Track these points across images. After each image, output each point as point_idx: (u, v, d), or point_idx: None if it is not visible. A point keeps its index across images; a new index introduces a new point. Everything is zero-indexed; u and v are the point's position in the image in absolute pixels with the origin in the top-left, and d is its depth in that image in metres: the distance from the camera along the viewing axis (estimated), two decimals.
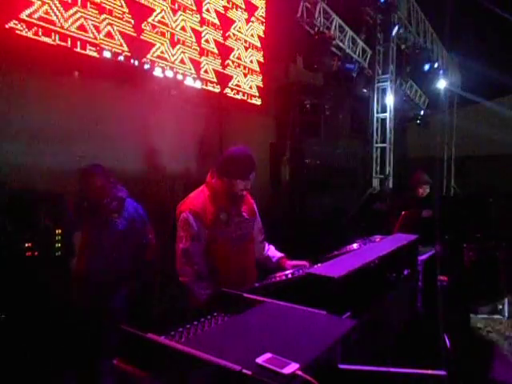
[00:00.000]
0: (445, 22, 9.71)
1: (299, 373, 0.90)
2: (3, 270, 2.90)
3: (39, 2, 3.74)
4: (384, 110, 9.51)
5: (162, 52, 5.08)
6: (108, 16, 4.39)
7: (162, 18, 5.08)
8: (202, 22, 5.78)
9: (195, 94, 5.69)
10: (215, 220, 2.31)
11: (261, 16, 7.14)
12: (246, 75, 6.73)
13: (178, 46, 5.34)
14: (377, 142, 9.61)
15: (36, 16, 3.72)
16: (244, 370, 0.90)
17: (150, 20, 4.90)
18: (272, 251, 2.67)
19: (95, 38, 4.27)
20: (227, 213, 2.37)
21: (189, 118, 5.78)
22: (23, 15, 3.64)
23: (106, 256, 3.04)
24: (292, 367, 0.91)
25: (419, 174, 5.10)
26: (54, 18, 3.87)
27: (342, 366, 1.05)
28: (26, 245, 3.17)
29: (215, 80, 6.01)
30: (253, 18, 6.92)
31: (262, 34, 7.17)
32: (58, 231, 3.36)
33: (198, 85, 5.69)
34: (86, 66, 4.28)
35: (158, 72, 5.03)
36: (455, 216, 7.33)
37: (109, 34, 4.41)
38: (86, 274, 3.08)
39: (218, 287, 1.84)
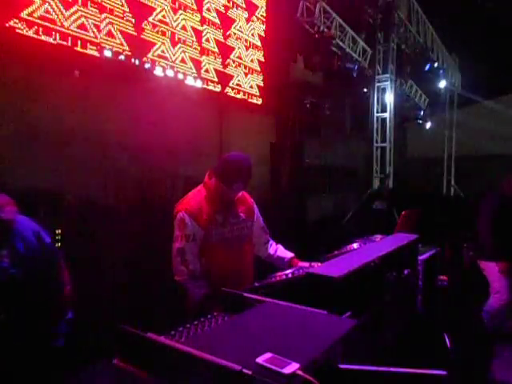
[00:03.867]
0: (445, 22, 9.73)
1: (299, 372, 0.90)
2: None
3: (40, 1, 3.74)
4: (384, 110, 9.51)
5: (162, 51, 5.08)
6: (108, 15, 4.39)
7: (163, 17, 5.08)
8: (203, 21, 5.77)
9: (196, 93, 5.69)
10: (211, 220, 2.31)
11: (261, 15, 7.14)
12: (246, 74, 6.73)
13: (178, 46, 5.34)
14: (377, 142, 9.60)
15: (36, 15, 3.72)
16: (244, 370, 0.90)
17: (150, 19, 4.90)
18: (282, 251, 2.65)
19: (96, 37, 4.27)
20: (223, 213, 2.37)
21: (189, 118, 5.77)
22: (24, 14, 3.64)
23: None
24: (292, 367, 0.91)
25: None
26: (55, 17, 3.87)
27: (342, 366, 1.05)
28: None
29: (216, 79, 6.01)
30: (253, 18, 6.92)
31: (262, 34, 7.17)
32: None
33: (198, 84, 5.69)
34: (86, 64, 4.28)
35: (158, 71, 5.03)
36: (455, 216, 7.34)
37: (109, 33, 4.41)
38: None
39: (214, 287, 1.83)
